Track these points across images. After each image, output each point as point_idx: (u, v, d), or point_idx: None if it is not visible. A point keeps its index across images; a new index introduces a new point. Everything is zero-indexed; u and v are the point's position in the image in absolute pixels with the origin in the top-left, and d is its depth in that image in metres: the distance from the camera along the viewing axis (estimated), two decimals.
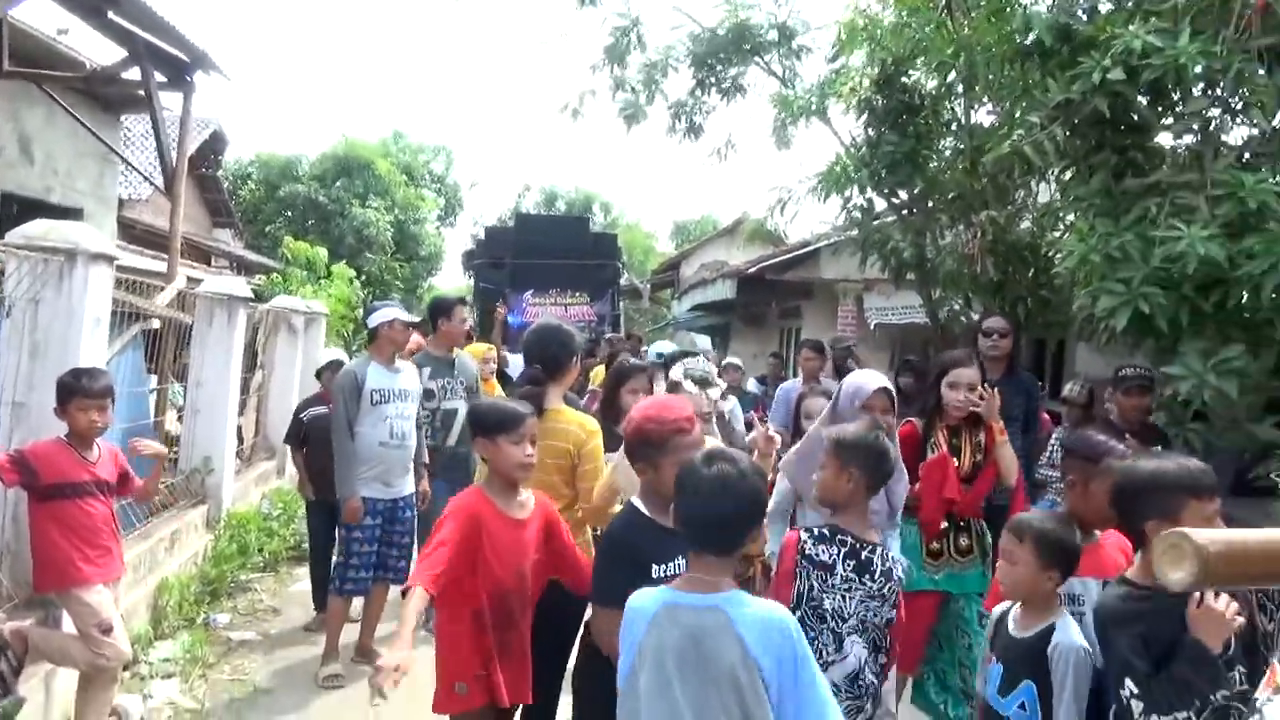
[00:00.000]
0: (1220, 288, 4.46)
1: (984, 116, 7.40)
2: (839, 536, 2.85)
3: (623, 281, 18.59)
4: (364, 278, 20.00)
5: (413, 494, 5.42)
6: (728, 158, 9.57)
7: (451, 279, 39.16)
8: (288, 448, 7.05)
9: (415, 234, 32.10)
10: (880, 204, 8.03)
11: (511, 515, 3.04)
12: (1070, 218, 5.03)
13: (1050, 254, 6.75)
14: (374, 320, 5.38)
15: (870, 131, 7.45)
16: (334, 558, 5.46)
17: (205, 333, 7.23)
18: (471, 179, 57.93)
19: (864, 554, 2.83)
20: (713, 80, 9.45)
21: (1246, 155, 4.89)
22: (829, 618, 2.79)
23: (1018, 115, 5.20)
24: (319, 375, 6.68)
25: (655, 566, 2.57)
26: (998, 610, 2.82)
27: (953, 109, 7.41)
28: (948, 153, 7.70)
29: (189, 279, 9.64)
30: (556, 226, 18.65)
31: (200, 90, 10.40)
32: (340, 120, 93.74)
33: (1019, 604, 2.69)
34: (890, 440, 3.04)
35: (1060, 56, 5.13)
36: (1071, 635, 2.55)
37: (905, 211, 8.10)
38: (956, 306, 8.15)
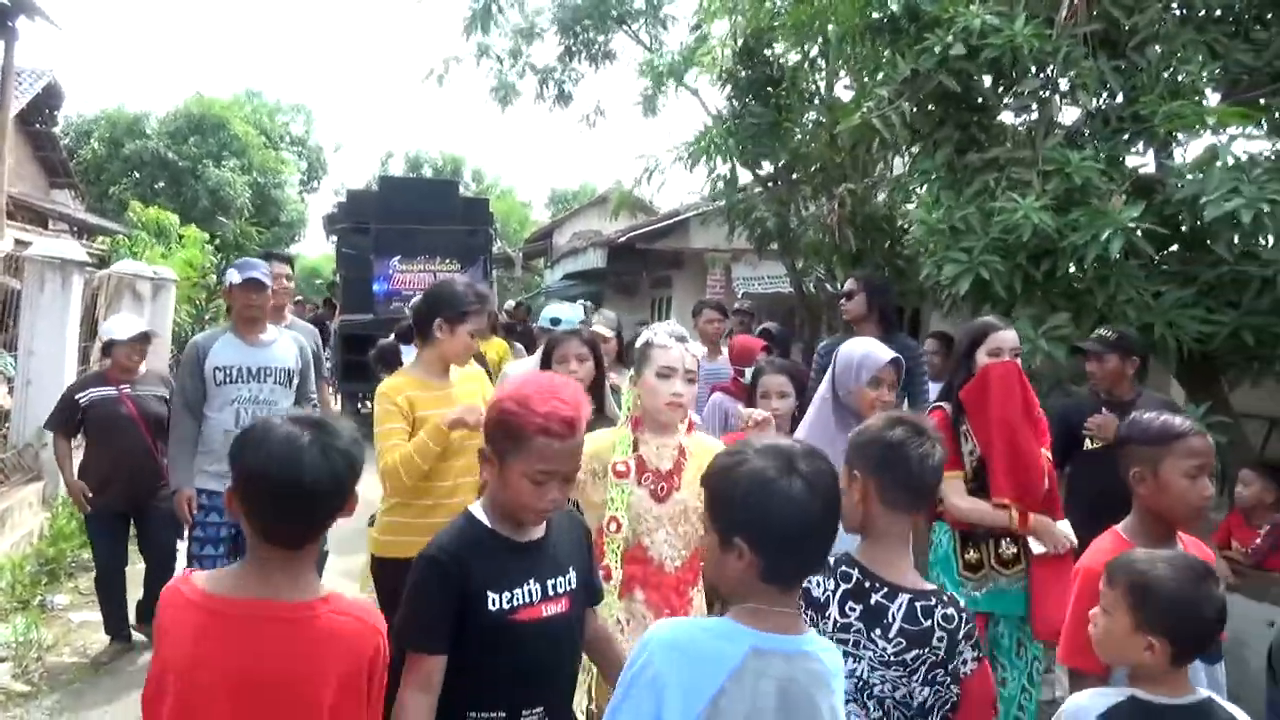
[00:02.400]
0: (1050, 257, 4.77)
1: (842, 90, 7.64)
2: (843, 568, 2.05)
3: (495, 249, 18.35)
4: (218, 242, 19.02)
5: None
6: (596, 125, 9.58)
7: (315, 245, 37.79)
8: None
9: (275, 198, 30.73)
10: (745, 175, 8.18)
11: None
12: (919, 190, 5.24)
13: (903, 225, 7.05)
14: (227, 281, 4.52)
15: (734, 103, 7.58)
16: (176, 568, 4.73)
17: (37, 299, 6.78)
18: (334, 142, 55.72)
19: (875, 597, 2.00)
20: (581, 47, 9.42)
21: (1075, 134, 5.22)
22: None
23: (868, 89, 5.38)
24: (106, 350, 5.26)
25: (492, 595, 1.93)
26: (1081, 707, 1.99)
27: (813, 81, 7.61)
28: (809, 125, 7.90)
29: (17, 242, 8.98)
30: (424, 190, 17.96)
31: (30, 40, 9.63)
32: (191, 76, 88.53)
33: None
34: (926, 435, 2.10)
35: (909, 33, 5.34)
36: None
37: (770, 183, 8.30)
38: (820, 275, 8.44)
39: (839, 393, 3.20)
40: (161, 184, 27.18)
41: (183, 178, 27.31)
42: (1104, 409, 4.36)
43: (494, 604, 1.93)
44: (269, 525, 1.70)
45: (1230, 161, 4.36)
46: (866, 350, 3.23)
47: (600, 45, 9.41)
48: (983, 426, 3.42)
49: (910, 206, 7.22)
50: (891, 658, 1.96)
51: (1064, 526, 3.37)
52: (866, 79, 5.76)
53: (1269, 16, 5.67)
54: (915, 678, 1.96)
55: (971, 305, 5.39)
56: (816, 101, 7.85)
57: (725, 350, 6.21)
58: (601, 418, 3.48)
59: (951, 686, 1.98)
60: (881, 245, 7.29)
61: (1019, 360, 3.50)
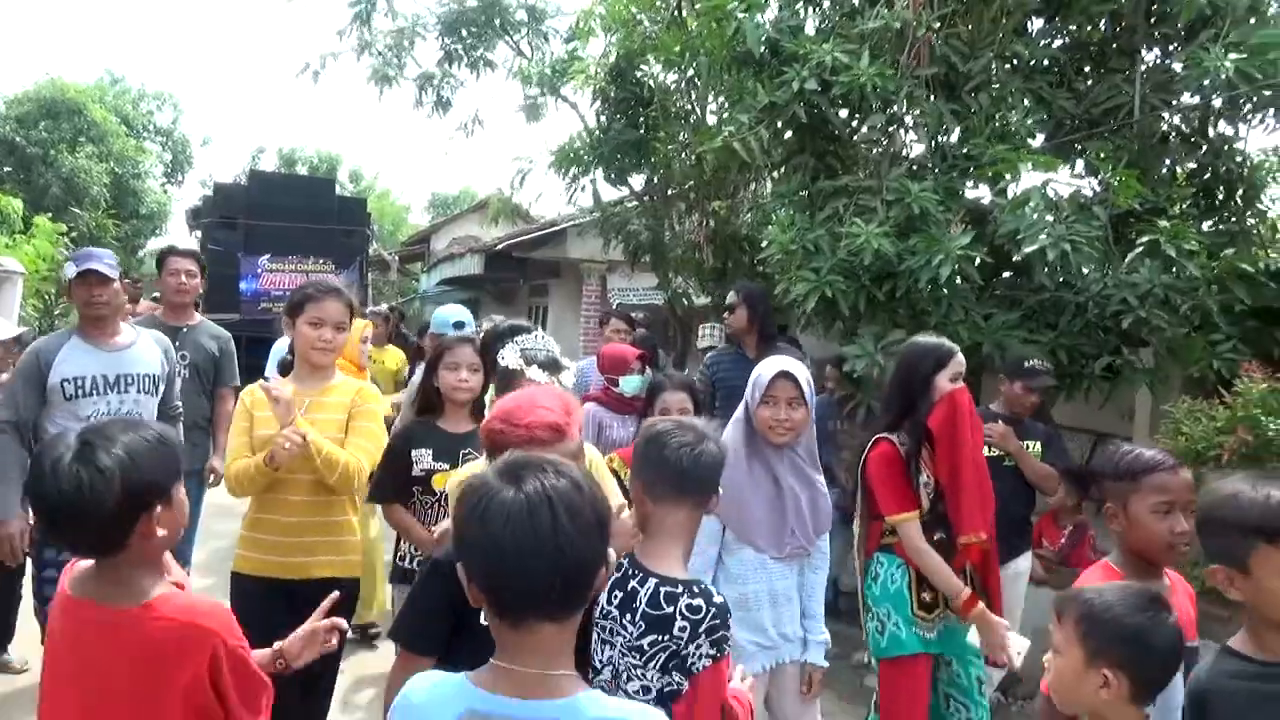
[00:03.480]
0: (891, 279, 5.17)
1: (710, 115, 7.98)
2: (622, 563, 2.13)
3: (371, 251, 18.05)
4: (73, 234, 18.06)
5: None
6: (474, 133, 9.65)
7: (177, 240, 36.05)
8: None
9: (135, 189, 29.29)
10: (608, 188, 8.43)
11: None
12: (777, 212, 5.58)
13: (762, 244, 7.44)
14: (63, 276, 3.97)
15: (603, 119, 7.81)
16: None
17: None
18: (203, 135, 53.41)
19: (631, 583, 2.07)
20: (461, 52, 9.49)
21: (918, 166, 5.67)
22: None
23: (731, 115, 5.69)
24: None
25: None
26: None
27: (683, 104, 7.93)
28: (678, 146, 8.22)
29: None
30: (298, 187, 17.44)
31: None
32: (44, 58, 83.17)
33: None
34: (690, 429, 2.21)
35: (770, 66, 5.69)
36: None
37: (645, 197, 8.59)
38: (690, 289, 8.77)
39: (750, 416, 3.07)
40: (8, 169, 25.55)
41: (32, 164, 25.74)
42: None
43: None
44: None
45: (1041, 203, 4.85)
46: (760, 370, 3.10)
47: (481, 53, 9.49)
48: (949, 456, 3.20)
49: (770, 227, 7.64)
50: (634, 642, 2.01)
51: (1015, 640, 3.14)
52: (730, 106, 6.08)
53: (1088, 68, 6.31)
54: (652, 664, 2.00)
55: (822, 322, 5.78)
56: (685, 123, 8.19)
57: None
58: None
59: (679, 678, 1.99)
60: (743, 263, 7.65)
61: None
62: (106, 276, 3.73)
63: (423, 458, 3.33)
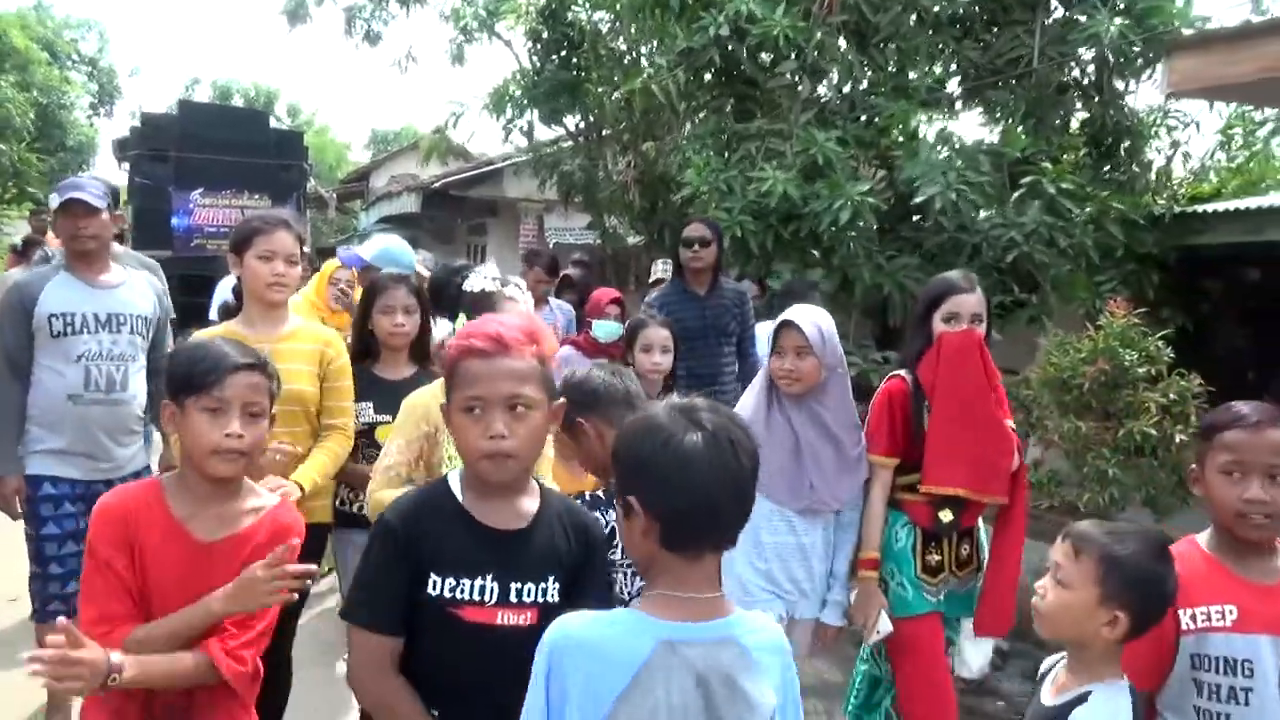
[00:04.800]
0: (797, 220, 5.49)
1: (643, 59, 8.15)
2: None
3: (309, 188, 17.84)
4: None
5: (140, 472, 3.59)
6: (408, 70, 9.64)
7: (106, 174, 35.04)
8: None
9: (60, 120, 28.32)
10: (543, 129, 8.57)
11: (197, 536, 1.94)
12: (694, 154, 5.83)
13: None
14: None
15: (536, 60, 7.94)
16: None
17: None
18: (131, 65, 51.47)
19: None
20: None
21: (828, 113, 5.96)
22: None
23: (650, 58, 5.92)
24: None
25: (435, 576, 1.65)
26: (1047, 664, 1.99)
27: (615, 45, 8.08)
28: (608, 88, 8.39)
29: None
30: (231, 119, 16.81)
31: None
32: None
33: (1067, 656, 1.89)
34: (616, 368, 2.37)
35: (689, 10, 5.89)
36: (1093, 715, 1.77)
37: (581, 138, 8.75)
38: (621, 229, 8.99)
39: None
40: None
41: None
42: None
43: (435, 587, 1.63)
44: None
45: (936, 151, 5.19)
46: (774, 323, 2.99)
47: None
48: (935, 404, 2.98)
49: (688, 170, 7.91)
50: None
51: (882, 623, 3.02)
52: (650, 49, 6.29)
53: (993, 21, 6.62)
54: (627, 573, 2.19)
55: (737, 260, 6.08)
56: (618, 64, 8.33)
57: (553, 302, 6.11)
58: (429, 372, 3.25)
59: None
60: (671, 204, 7.91)
61: (979, 326, 3.02)
62: (92, 206, 3.35)
63: (364, 411, 3.16)
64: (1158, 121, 6.53)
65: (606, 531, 2.01)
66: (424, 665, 1.67)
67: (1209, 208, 6.46)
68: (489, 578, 1.65)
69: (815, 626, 3.07)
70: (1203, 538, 2.05)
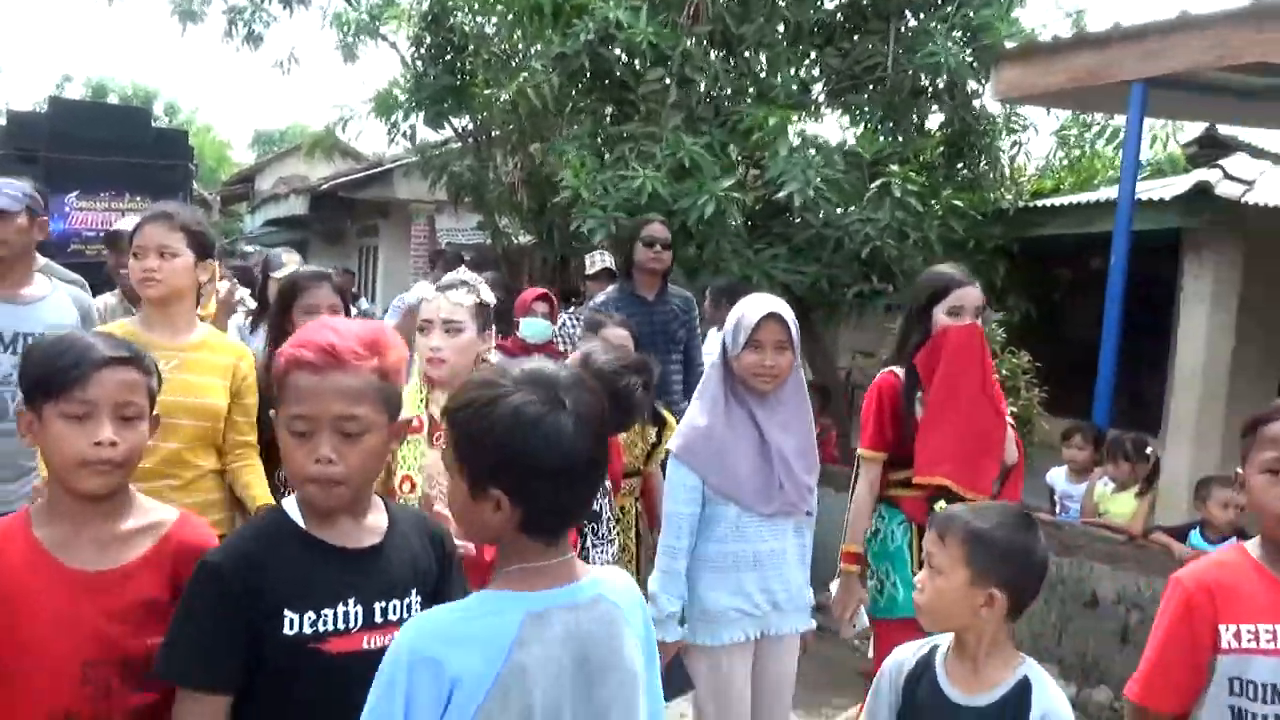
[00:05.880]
0: (668, 217, 5.79)
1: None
2: None
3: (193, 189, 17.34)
4: None
5: None
6: (291, 71, 9.59)
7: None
8: None
9: None
10: (426, 131, 8.69)
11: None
12: (570, 155, 6.07)
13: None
14: None
15: (419, 64, 8.07)
16: None
17: None
18: None
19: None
20: None
21: (695, 117, 6.29)
22: None
23: (525, 62, 6.14)
24: None
25: (291, 615, 1.50)
26: (899, 660, 1.90)
27: (501, 48, 8.26)
28: (493, 90, 8.56)
29: None
30: (107, 117, 16.03)
31: None
32: None
33: (949, 648, 1.83)
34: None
35: (563, 17, 6.15)
36: (1052, 697, 1.75)
37: (470, 139, 8.89)
38: (511, 229, 9.18)
39: (730, 362, 2.76)
40: None
41: None
42: None
43: (292, 626, 1.49)
44: None
45: (796, 150, 5.59)
46: (742, 311, 2.76)
47: None
48: (927, 394, 3.00)
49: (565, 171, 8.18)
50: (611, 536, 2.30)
51: (861, 620, 3.05)
52: (526, 54, 6.51)
53: (857, 30, 7.08)
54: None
55: (615, 256, 6.36)
56: (505, 67, 8.51)
57: None
58: None
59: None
60: (558, 204, 8.15)
61: (979, 321, 3.07)
62: (3, 211, 3.04)
63: None
64: (1002, 124, 7.10)
65: None
66: (276, 710, 1.50)
67: (1047, 202, 7.07)
68: (351, 602, 1.53)
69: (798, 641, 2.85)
70: (1253, 545, 1.85)
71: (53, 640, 1.50)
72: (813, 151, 5.92)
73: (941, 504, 2.74)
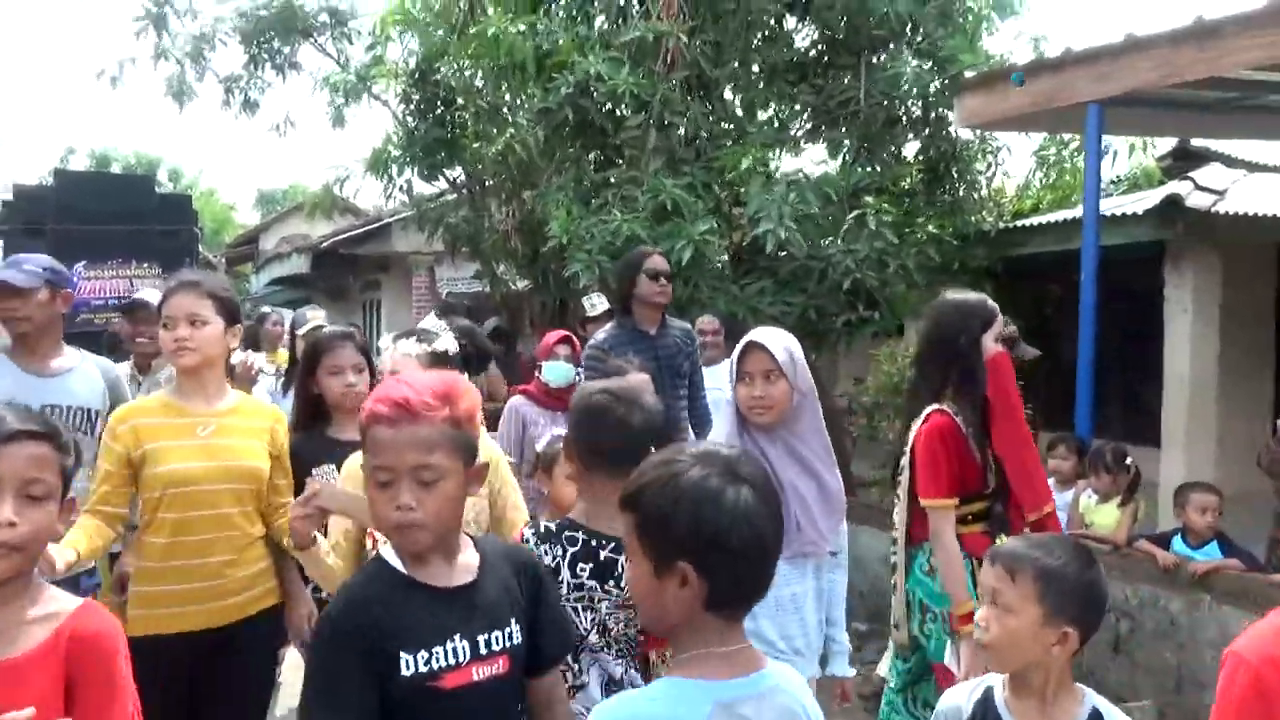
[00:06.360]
0: None
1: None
2: (567, 533, 2.12)
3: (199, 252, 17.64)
4: None
5: (79, 577, 3.11)
6: (287, 134, 9.87)
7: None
8: None
9: None
10: (422, 185, 8.92)
11: None
12: (557, 203, 6.26)
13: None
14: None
15: (410, 120, 8.31)
16: None
17: None
18: None
19: (603, 554, 2.10)
20: (266, 56, 9.69)
21: (677, 160, 6.48)
22: None
23: (510, 117, 6.35)
24: None
25: (406, 656, 1.59)
26: (954, 705, 1.84)
27: (481, 104, 8.51)
28: (482, 143, 8.80)
29: None
30: (112, 186, 16.31)
31: None
32: None
33: (1006, 687, 1.78)
34: (621, 398, 2.16)
35: (545, 73, 6.37)
36: None
37: (465, 190, 9.11)
38: (507, 275, 9.37)
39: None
40: None
41: None
42: None
43: (409, 666, 1.58)
44: None
45: (769, 187, 5.76)
46: (736, 349, 2.74)
47: (286, 56, 9.72)
48: (1009, 426, 2.91)
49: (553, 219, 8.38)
50: (626, 601, 2.06)
51: (882, 667, 3.02)
52: (510, 110, 6.73)
53: (830, 67, 7.29)
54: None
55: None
56: (495, 118, 8.74)
57: None
58: None
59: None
60: (548, 250, 8.34)
61: None
62: (18, 288, 3.08)
63: (330, 474, 2.86)
64: (976, 148, 7.28)
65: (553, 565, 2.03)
66: None
67: (1025, 222, 7.22)
68: (457, 638, 1.62)
69: (824, 683, 2.75)
70: None
71: None
72: (786, 189, 6.08)
73: (1003, 538, 2.57)
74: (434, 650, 1.59)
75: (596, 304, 5.40)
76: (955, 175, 7.39)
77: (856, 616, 5.19)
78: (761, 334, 2.66)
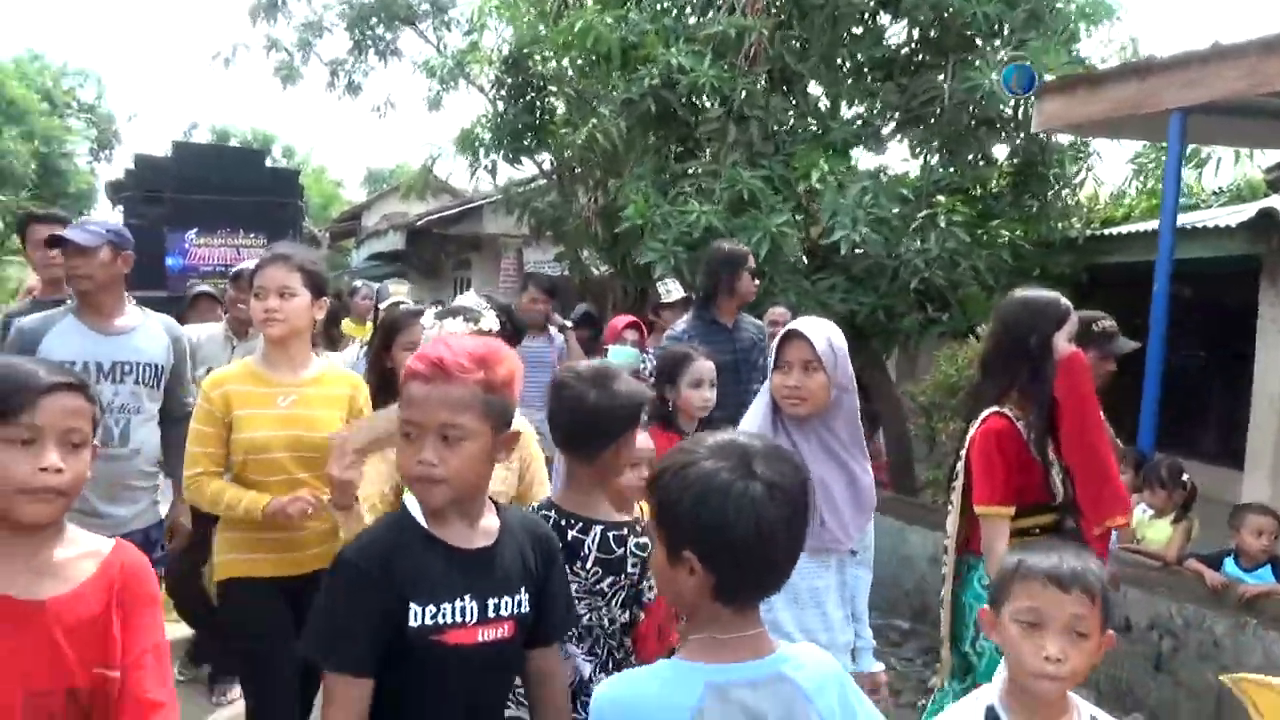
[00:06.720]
0: None
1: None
2: (540, 513, 2.11)
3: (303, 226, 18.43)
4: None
5: (149, 529, 3.35)
6: (387, 115, 10.27)
7: (104, 219, 35.69)
8: None
9: (61, 169, 29.04)
10: (506, 168, 9.17)
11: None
12: (634, 191, 6.40)
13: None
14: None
15: (500, 105, 8.56)
16: None
17: None
18: (129, 112, 52.56)
19: (571, 534, 2.09)
20: (370, 42, 10.12)
21: (756, 153, 6.54)
22: None
23: (594, 107, 6.51)
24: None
25: (415, 607, 1.62)
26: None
27: (569, 92, 8.71)
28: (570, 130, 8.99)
29: None
30: (225, 158, 17.06)
31: None
32: None
33: (1004, 705, 1.70)
34: (592, 377, 2.14)
35: (629, 64, 6.50)
36: None
37: (554, 176, 9.35)
38: (588, 261, 9.57)
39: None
40: None
41: None
42: None
43: (416, 618, 1.62)
44: None
45: (845, 190, 5.78)
46: (777, 336, 2.73)
47: (388, 42, 10.12)
48: (1080, 430, 2.74)
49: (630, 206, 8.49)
50: (591, 587, 2.07)
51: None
52: (595, 99, 6.89)
53: (917, 65, 7.23)
54: (614, 603, 2.13)
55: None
56: (585, 106, 8.94)
57: (552, 330, 5.57)
58: None
59: (637, 610, 2.16)
60: (623, 235, 8.49)
61: None
62: (81, 246, 3.16)
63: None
64: (1067, 153, 7.11)
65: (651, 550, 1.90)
66: (401, 694, 1.63)
67: (1114, 230, 7.04)
68: (467, 598, 1.65)
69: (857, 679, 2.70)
70: None
71: None
72: (861, 192, 6.05)
73: None
74: (442, 606, 1.63)
75: (672, 290, 5.42)
76: (1043, 179, 7.24)
77: (900, 614, 5.22)
78: (804, 323, 2.59)
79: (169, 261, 13.99)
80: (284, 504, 2.64)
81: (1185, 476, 4.20)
